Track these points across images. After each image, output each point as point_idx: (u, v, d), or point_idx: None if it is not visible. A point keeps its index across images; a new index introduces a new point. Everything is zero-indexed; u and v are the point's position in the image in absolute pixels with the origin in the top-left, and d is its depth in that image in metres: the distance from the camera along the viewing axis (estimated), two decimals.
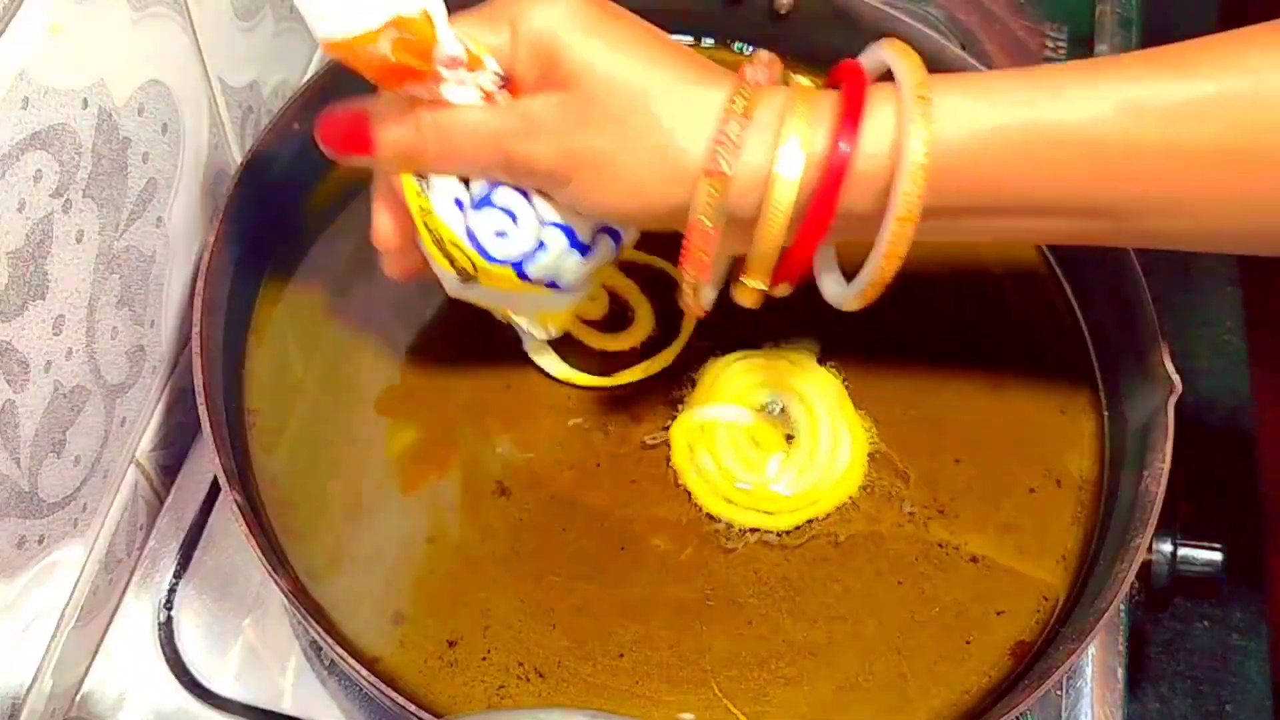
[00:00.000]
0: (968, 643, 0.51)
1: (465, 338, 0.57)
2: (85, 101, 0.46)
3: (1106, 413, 0.57)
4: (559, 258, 0.47)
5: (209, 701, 0.54)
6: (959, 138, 0.41)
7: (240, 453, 0.53)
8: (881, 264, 0.42)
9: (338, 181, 0.61)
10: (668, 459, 0.54)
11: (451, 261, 0.47)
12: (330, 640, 0.45)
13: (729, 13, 0.66)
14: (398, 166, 0.46)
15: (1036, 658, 0.50)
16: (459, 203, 0.46)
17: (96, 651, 0.55)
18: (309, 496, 0.53)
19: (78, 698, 0.54)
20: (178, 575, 0.57)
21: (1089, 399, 0.57)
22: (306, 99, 0.58)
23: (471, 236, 0.46)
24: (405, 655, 0.50)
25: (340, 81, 0.59)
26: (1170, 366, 0.51)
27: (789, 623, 0.51)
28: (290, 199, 0.60)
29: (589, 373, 0.56)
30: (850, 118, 0.41)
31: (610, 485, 0.54)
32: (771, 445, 0.54)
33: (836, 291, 0.47)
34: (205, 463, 0.59)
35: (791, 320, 0.58)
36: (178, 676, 0.54)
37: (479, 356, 0.57)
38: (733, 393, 0.56)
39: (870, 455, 0.55)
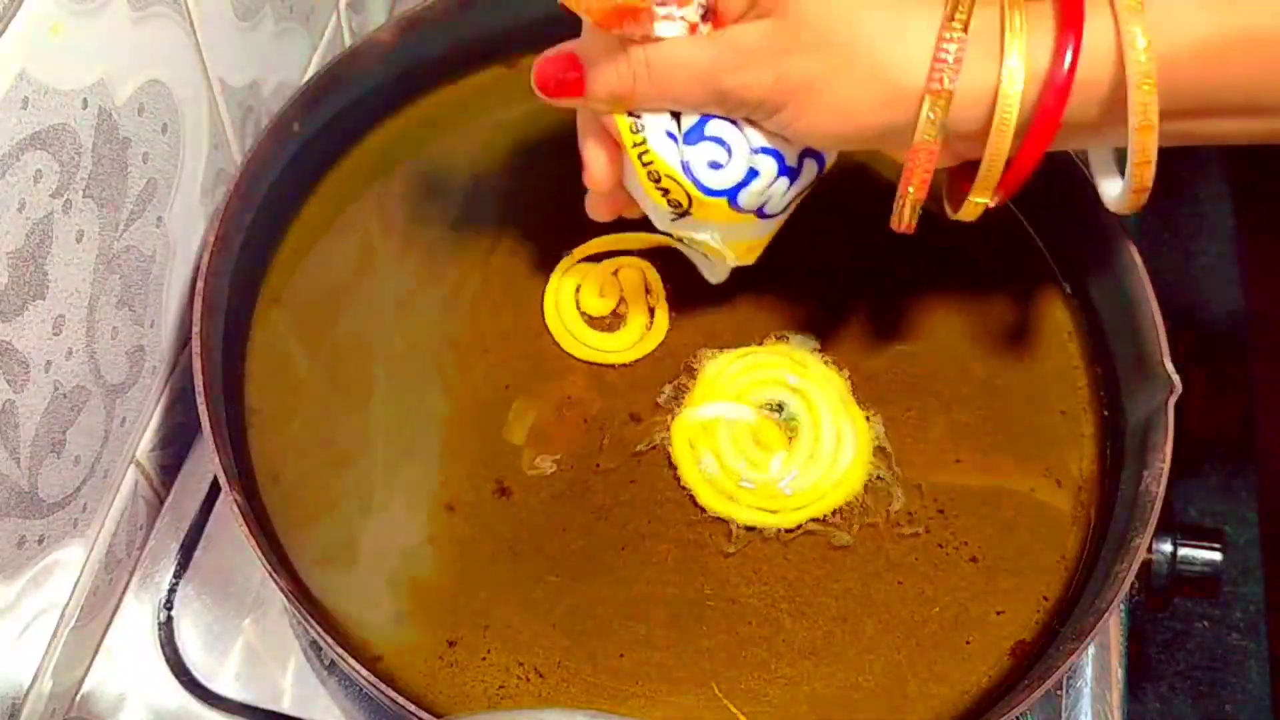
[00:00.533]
0: (968, 643, 0.51)
1: (465, 338, 0.57)
2: (85, 101, 0.46)
3: (1106, 413, 0.57)
4: (769, 184, 0.47)
5: (209, 701, 0.54)
6: (1176, 43, 0.41)
7: (240, 452, 0.53)
8: (1136, 172, 0.43)
9: (338, 182, 0.61)
10: (668, 458, 0.54)
11: (666, 195, 0.47)
12: (330, 640, 0.45)
13: None
14: (611, 106, 0.47)
15: (1036, 658, 0.50)
16: (672, 136, 0.46)
17: (96, 651, 0.55)
18: (309, 496, 0.53)
19: (78, 698, 0.54)
20: (178, 575, 0.57)
21: (1089, 399, 0.57)
22: (306, 99, 0.58)
23: (687, 169, 0.46)
24: (405, 655, 0.50)
25: (340, 81, 0.60)
26: (1170, 366, 0.51)
27: (789, 623, 0.51)
28: (290, 199, 0.60)
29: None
30: (1071, 28, 0.41)
31: (610, 485, 0.54)
32: (774, 443, 0.54)
33: (1112, 196, 0.47)
34: (205, 463, 0.59)
35: (791, 318, 0.58)
36: (178, 676, 0.54)
37: (479, 357, 0.57)
38: (734, 390, 0.56)
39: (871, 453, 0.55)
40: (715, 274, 0.56)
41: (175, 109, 0.53)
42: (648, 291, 0.58)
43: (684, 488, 0.53)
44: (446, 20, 0.62)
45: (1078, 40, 0.41)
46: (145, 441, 0.57)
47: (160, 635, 0.55)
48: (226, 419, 0.52)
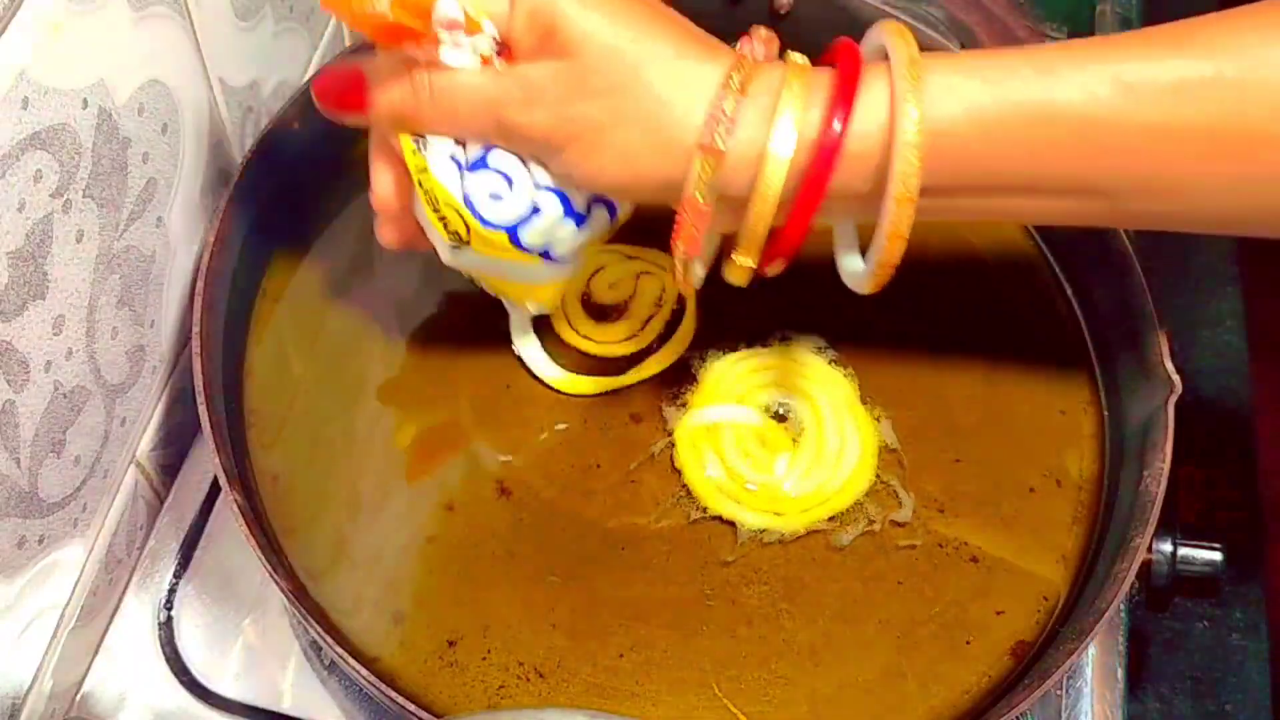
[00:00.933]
0: (968, 643, 0.51)
1: (465, 339, 0.57)
2: (85, 101, 0.46)
3: (1106, 413, 0.57)
4: (553, 225, 0.46)
5: (209, 701, 0.54)
6: (951, 115, 0.41)
7: (240, 452, 0.53)
8: (886, 245, 0.42)
9: (337, 181, 0.61)
10: (670, 458, 0.54)
11: (446, 225, 0.47)
12: (330, 640, 0.45)
13: (729, 13, 0.66)
14: (394, 126, 0.46)
15: (1036, 658, 0.50)
16: (456, 162, 0.46)
17: (96, 651, 0.55)
18: (309, 496, 0.53)
19: (78, 698, 0.54)
20: (178, 575, 0.57)
21: (1089, 399, 0.57)
22: (306, 99, 0.58)
23: (467, 200, 0.46)
24: (405, 655, 0.50)
25: None
26: (1170, 366, 0.51)
27: (789, 623, 0.51)
28: (290, 199, 0.60)
29: (580, 373, 0.56)
30: (844, 97, 0.41)
31: (611, 485, 0.54)
32: (779, 445, 0.54)
33: (853, 272, 0.46)
34: (205, 463, 0.59)
35: (794, 319, 0.58)
36: (178, 676, 0.54)
37: (479, 357, 0.57)
38: (738, 393, 0.56)
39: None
40: (519, 316, 0.55)
41: (175, 109, 0.53)
42: (660, 304, 0.58)
43: (686, 488, 0.53)
44: None
45: (848, 109, 0.41)
46: (145, 441, 0.57)
47: (160, 635, 0.55)
48: (226, 419, 0.52)
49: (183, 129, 0.54)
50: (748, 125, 0.41)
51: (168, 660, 0.55)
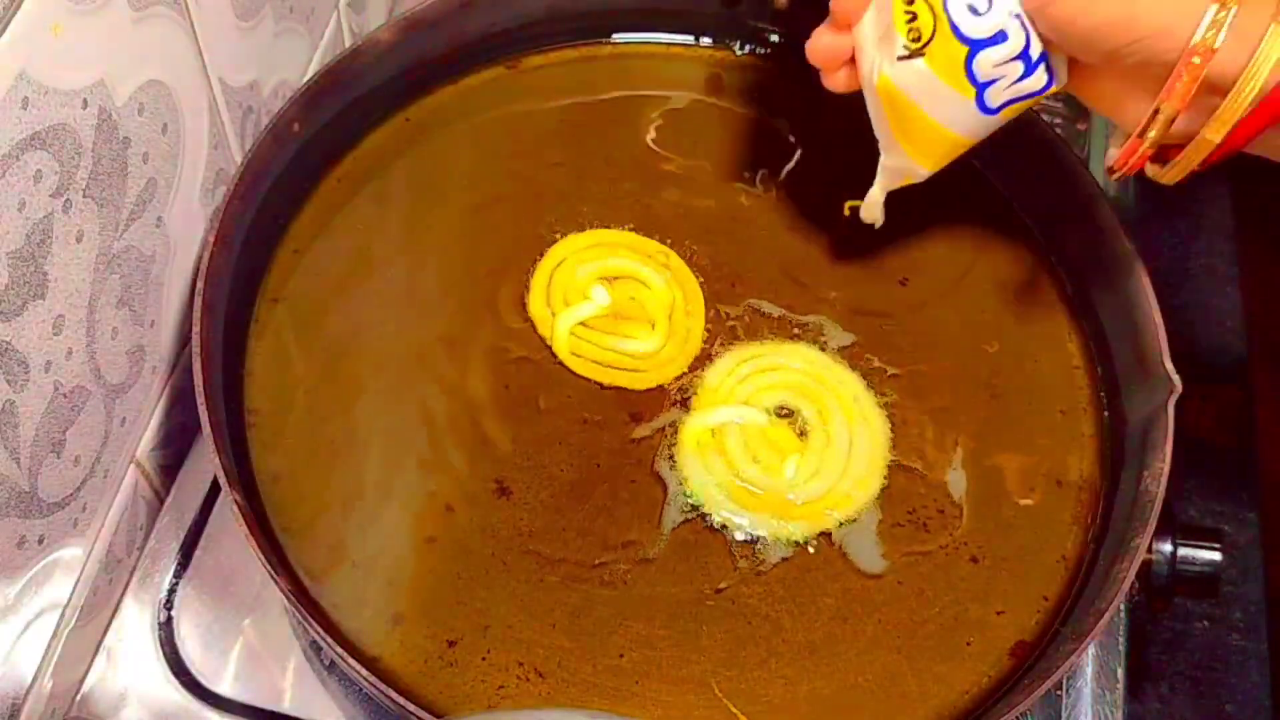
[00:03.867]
0: (968, 643, 0.51)
1: (465, 339, 0.57)
2: (85, 101, 0.46)
3: (1106, 413, 0.57)
4: (1007, 58, 0.47)
5: (209, 701, 0.54)
6: None
7: (240, 452, 0.53)
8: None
9: (337, 182, 0.61)
10: (670, 459, 0.54)
11: (912, 21, 0.47)
12: (330, 640, 0.45)
13: (728, 13, 0.66)
14: None
15: (1036, 658, 0.50)
16: None
17: (96, 651, 0.55)
18: (309, 496, 0.53)
19: (78, 698, 0.54)
20: (178, 575, 0.57)
21: (1089, 399, 0.57)
22: (306, 99, 0.58)
23: (946, 5, 0.47)
24: (405, 655, 0.50)
25: (340, 81, 0.60)
26: (1170, 366, 0.51)
27: (789, 623, 0.51)
28: (290, 199, 0.60)
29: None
30: None
31: (611, 485, 0.54)
32: (787, 447, 0.54)
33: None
34: (205, 463, 0.59)
35: (798, 321, 0.58)
36: (178, 676, 0.54)
37: (479, 357, 0.57)
38: (743, 394, 0.56)
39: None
40: (879, 187, 0.55)
41: (175, 109, 0.53)
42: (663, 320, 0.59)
43: (685, 488, 0.53)
44: (446, 20, 0.62)
45: None
46: (145, 441, 0.57)
47: (160, 635, 0.55)
48: (226, 419, 0.52)
49: (183, 129, 0.54)
50: (1249, 12, 0.42)
51: (167, 660, 0.55)
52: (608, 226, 0.61)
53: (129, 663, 0.55)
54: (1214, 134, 0.45)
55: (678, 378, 0.56)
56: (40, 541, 0.49)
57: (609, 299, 0.58)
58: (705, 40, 0.68)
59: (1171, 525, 0.52)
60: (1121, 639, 0.57)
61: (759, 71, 0.67)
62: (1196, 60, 0.43)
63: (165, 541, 0.58)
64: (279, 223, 0.59)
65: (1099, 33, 0.45)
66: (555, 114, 0.65)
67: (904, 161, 0.53)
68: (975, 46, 0.47)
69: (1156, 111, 0.44)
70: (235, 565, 0.57)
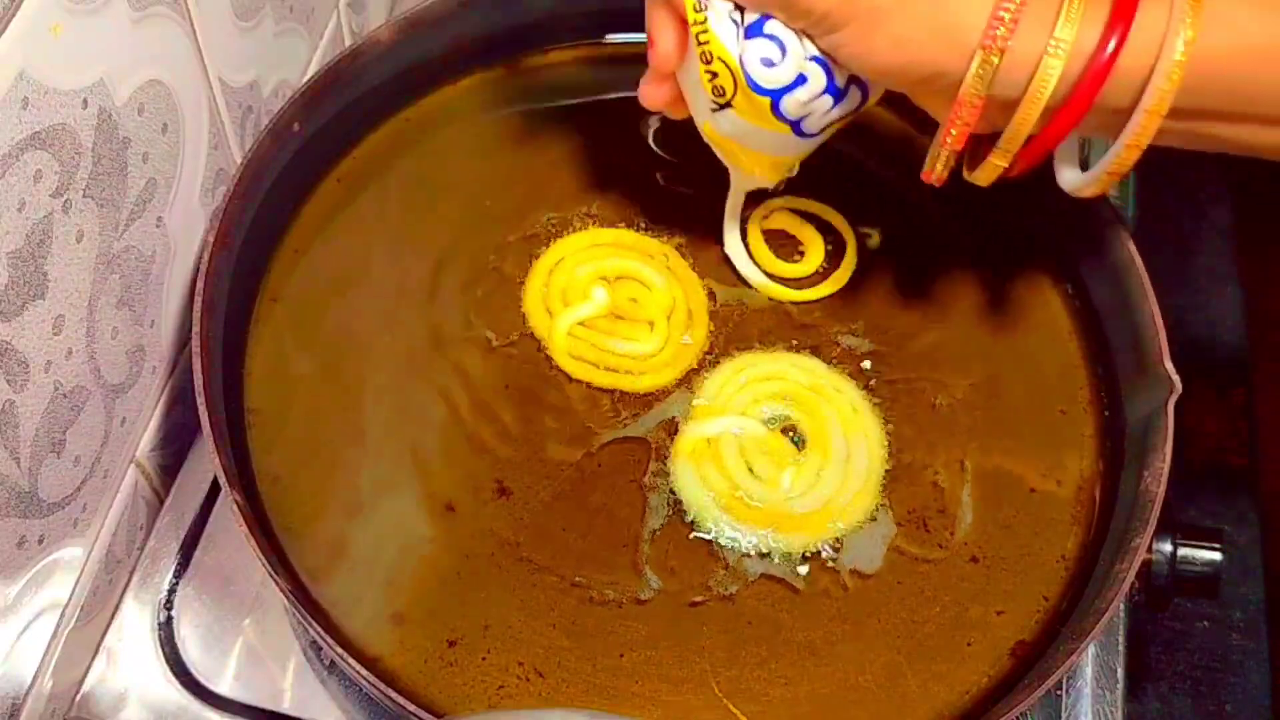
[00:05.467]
0: (968, 643, 0.51)
1: (464, 338, 0.57)
2: (85, 101, 0.46)
3: (1106, 413, 0.57)
4: (814, 96, 0.48)
5: (209, 701, 0.54)
6: (1221, 44, 0.42)
7: (240, 453, 0.53)
8: (1122, 154, 0.44)
9: (337, 182, 0.61)
10: (670, 459, 0.54)
11: (713, 80, 0.48)
12: (330, 640, 0.45)
13: None
14: None
15: (1036, 658, 0.50)
16: (735, 23, 0.47)
17: (96, 651, 0.55)
18: (309, 496, 0.53)
19: (78, 698, 0.54)
20: (178, 575, 0.57)
21: (1089, 399, 0.57)
22: (306, 99, 0.58)
23: (742, 60, 0.47)
24: (405, 655, 0.49)
25: (340, 81, 0.60)
26: (1170, 366, 0.51)
27: (789, 623, 0.51)
28: (290, 199, 0.60)
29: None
30: (1123, 16, 0.42)
31: (610, 485, 0.54)
32: (784, 458, 0.54)
33: (1073, 179, 0.48)
34: (205, 463, 0.59)
35: (797, 324, 0.58)
36: (178, 676, 0.54)
37: (479, 357, 0.57)
38: (739, 404, 0.55)
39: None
40: (736, 189, 0.57)
41: (175, 109, 0.53)
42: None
43: (679, 496, 0.53)
44: (446, 20, 0.62)
45: (1126, 28, 0.42)
46: (145, 441, 0.57)
47: (160, 635, 0.55)
48: (226, 419, 0.52)
49: (183, 129, 0.54)
50: (1027, 32, 0.43)
51: (167, 660, 0.55)
52: (608, 226, 0.61)
53: (129, 663, 0.55)
54: (1000, 160, 0.46)
55: (676, 382, 0.56)
56: (40, 541, 0.49)
57: (608, 299, 0.58)
58: None
59: (1171, 525, 0.52)
60: (1121, 639, 0.57)
61: None
62: (969, 108, 0.44)
63: (165, 541, 0.58)
64: (279, 223, 0.59)
65: (886, 75, 0.47)
66: (555, 114, 0.65)
67: (747, 179, 0.56)
68: (776, 95, 0.48)
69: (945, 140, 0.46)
70: (235, 565, 0.57)
